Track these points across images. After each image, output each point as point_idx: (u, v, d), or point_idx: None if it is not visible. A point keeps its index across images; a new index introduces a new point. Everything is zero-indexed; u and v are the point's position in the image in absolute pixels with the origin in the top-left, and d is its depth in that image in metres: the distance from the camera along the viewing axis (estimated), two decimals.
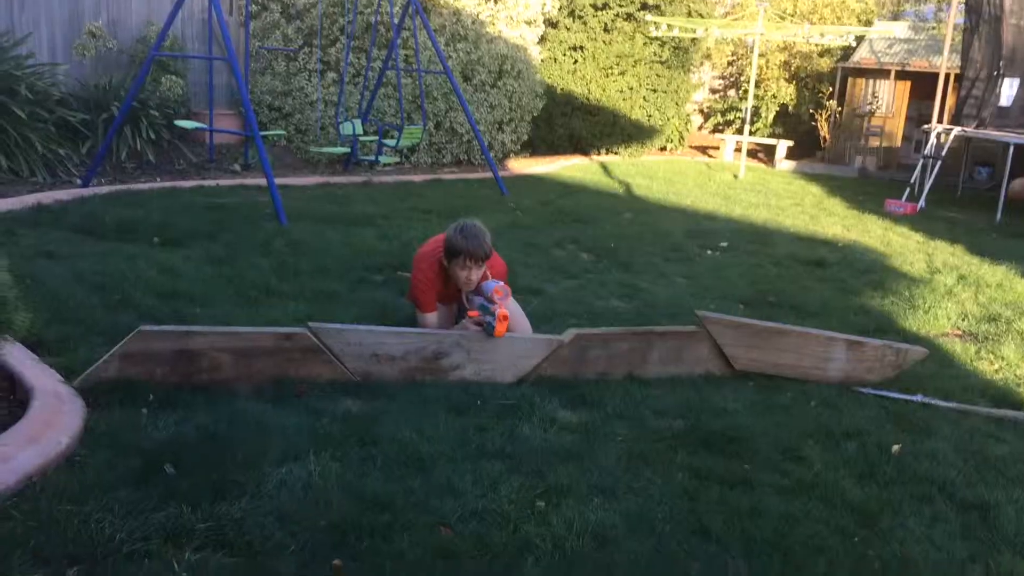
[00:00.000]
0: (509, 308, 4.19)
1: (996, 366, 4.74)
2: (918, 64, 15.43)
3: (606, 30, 14.09)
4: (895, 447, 3.48)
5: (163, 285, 4.62)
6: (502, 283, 3.95)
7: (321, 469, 2.82)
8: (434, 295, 4.15)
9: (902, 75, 15.80)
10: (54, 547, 2.25)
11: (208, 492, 2.59)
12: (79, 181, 7.64)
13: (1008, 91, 11.32)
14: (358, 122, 9.18)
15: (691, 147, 17.56)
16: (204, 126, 8.91)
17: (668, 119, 15.44)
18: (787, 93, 16.54)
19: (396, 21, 9.42)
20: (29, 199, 6.59)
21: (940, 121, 12.66)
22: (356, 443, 3.05)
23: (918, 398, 4.07)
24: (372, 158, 9.42)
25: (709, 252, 7.26)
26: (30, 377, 3.16)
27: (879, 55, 16.15)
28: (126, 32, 9.71)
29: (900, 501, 3.05)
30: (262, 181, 8.27)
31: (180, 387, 3.33)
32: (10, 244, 5.06)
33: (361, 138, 9.22)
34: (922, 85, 15.40)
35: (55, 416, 2.89)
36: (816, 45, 16.11)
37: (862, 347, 4.22)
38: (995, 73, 11.49)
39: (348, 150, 9.31)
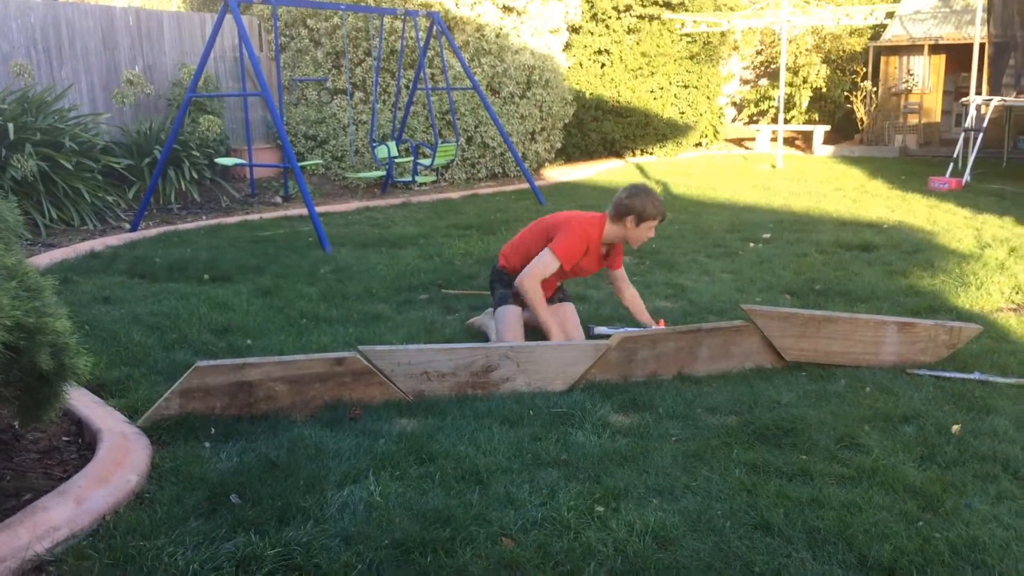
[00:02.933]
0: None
1: None
2: (951, 37, 15.18)
3: (630, 32, 14.10)
4: (955, 427, 3.44)
5: (216, 321, 4.73)
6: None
7: (381, 489, 2.87)
8: (574, 260, 4.37)
9: (936, 49, 15.56)
10: None
11: (274, 519, 2.66)
12: (128, 226, 7.85)
13: None
14: (392, 144, 9.30)
15: (726, 140, 17.45)
16: (244, 162, 9.11)
17: (701, 115, 15.37)
18: (820, 76, 16.34)
19: (422, 44, 9.53)
20: (82, 247, 6.79)
21: (979, 92, 12.44)
22: (413, 461, 3.09)
23: (975, 376, 4.01)
24: (408, 179, 9.54)
25: (752, 245, 7.22)
26: (96, 419, 3.27)
27: (910, 30, 15.91)
28: (162, 76, 9.96)
29: (963, 482, 3.01)
30: (303, 211, 8.42)
31: (239, 418, 3.42)
32: (67, 292, 5.22)
33: (396, 159, 9.34)
34: (957, 57, 15.15)
35: (123, 456, 2.98)
36: (845, 25, 15.92)
37: (913, 328, 4.17)
38: None
39: (384, 173, 9.43)
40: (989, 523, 2.73)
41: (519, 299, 4.45)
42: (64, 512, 2.59)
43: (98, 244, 6.93)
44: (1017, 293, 5.51)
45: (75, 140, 7.94)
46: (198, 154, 9.26)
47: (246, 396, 3.46)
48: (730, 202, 9.72)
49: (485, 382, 3.79)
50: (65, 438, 3.28)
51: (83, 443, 3.24)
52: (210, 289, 5.50)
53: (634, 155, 14.77)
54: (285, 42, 11.23)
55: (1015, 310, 5.20)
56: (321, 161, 10.51)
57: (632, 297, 4.62)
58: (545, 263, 4.32)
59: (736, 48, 17.60)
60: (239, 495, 2.80)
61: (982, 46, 12.57)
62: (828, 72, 16.47)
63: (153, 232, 7.58)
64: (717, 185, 11.04)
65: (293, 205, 9.40)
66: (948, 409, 3.66)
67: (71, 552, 2.46)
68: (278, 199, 9.76)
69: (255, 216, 8.57)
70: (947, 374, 4.04)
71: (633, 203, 4.36)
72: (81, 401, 3.43)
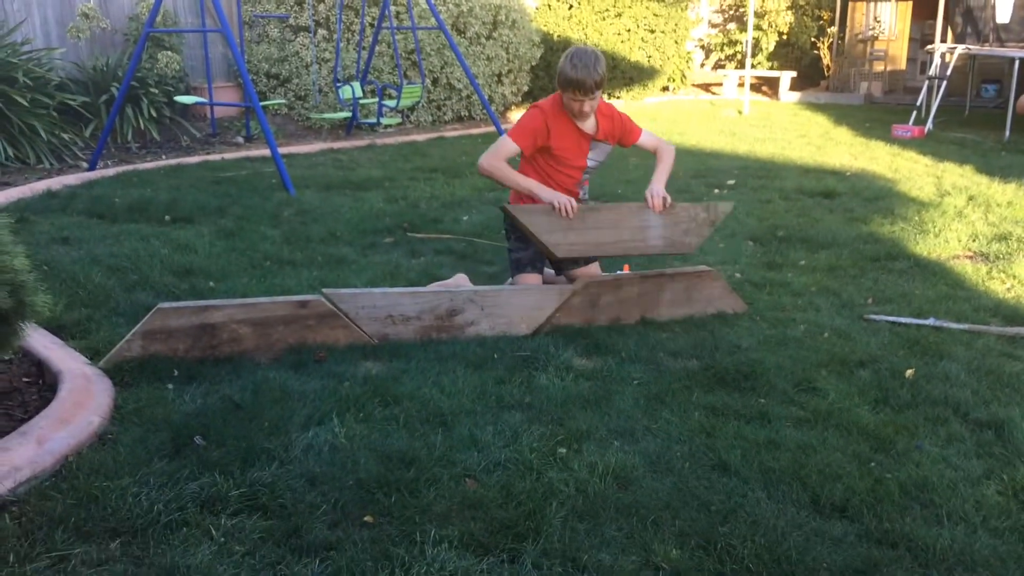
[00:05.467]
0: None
1: (1007, 285, 4.75)
2: None
3: None
4: (908, 372, 3.53)
5: (178, 262, 4.68)
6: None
7: (346, 431, 2.89)
8: (532, 138, 3.93)
9: None
10: (95, 522, 2.34)
11: (238, 460, 2.67)
12: (85, 165, 7.69)
13: (1003, 7, 11.11)
14: (357, 84, 9.15)
15: (694, 85, 17.38)
16: (204, 100, 8.91)
17: (668, 58, 15.28)
18: (786, 21, 16.28)
19: None
20: (38, 186, 6.65)
21: (943, 40, 12.48)
22: (378, 403, 3.11)
23: (931, 321, 4.10)
24: (373, 121, 9.41)
25: (716, 191, 7.25)
26: (56, 361, 3.24)
27: None
28: (118, 10, 9.67)
29: (915, 424, 3.10)
30: (266, 152, 8.29)
31: (203, 361, 3.41)
32: (24, 232, 5.12)
33: (361, 101, 9.20)
34: (924, 4, 15.14)
35: (85, 397, 2.97)
36: None
37: (674, 209, 4.02)
38: None
39: (349, 114, 9.30)
40: (938, 464, 2.82)
41: (537, 263, 4.18)
42: (26, 453, 2.58)
43: (55, 183, 6.79)
44: (974, 241, 5.61)
45: (29, 76, 7.71)
46: (157, 91, 9.04)
47: (209, 338, 3.44)
48: (696, 148, 9.73)
49: (450, 326, 3.80)
50: (25, 379, 3.25)
51: (44, 384, 3.21)
52: (171, 230, 5.43)
53: None
54: None
55: (971, 258, 5.30)
56: (284, 100, 10.32)
57: (660, 158, 4.27)
58: (498, 144, 3.92)
59: None
60: (203, 437, 2.81)
61: None
62: (794, 17, 16.41)
63: (112, 171, 7.43)
64: (684, 130, 11.04)
65: (255, 146, 9.25)
66: (903, 354, 3.75)
67: (34, 492, 2.46)
68: (240, 139, 9.60)
69: (216, 156, 8.43)
70: (903, 320, 4.13)
71: (559, 65, 3.86)
72: (41, 342, 3.40)
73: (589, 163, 4.13)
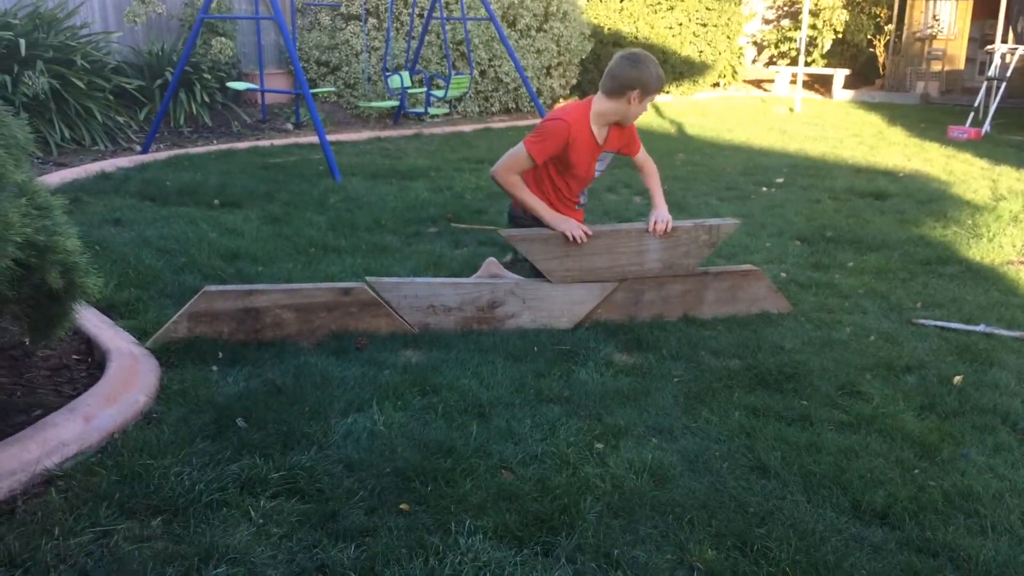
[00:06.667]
0: None
1: None
2: None
3: None
4: (956, 378, 3.46)
5: (225, 246, 4.75)
6: None
7: (385, 418, 2.91)
8: (552, 151, 3.87)
9: None
10: (138, 499, 2.38)
11: (279, 443, 2.70)
12: (139, 148, 7.83)
13: None
14: (406, 74, 9.19)
15: (745, 82, 17.18)
16: (255, 87, 9.02)
17: (719, 54, 15.12)
18: (840, 20, 16.00)
19: None
20: (93, 167, 6.78)
21: (1004, 41, 12.19)
22: (417, 392, 3.13)
23: (981, 328, 4.01)
24: (421, 110, 9.44)
25: (764, 189, 7.16)
26: (106, 339, 3.30)
27: None
28: None
29: (961, 432, 3.03)
30: (314, 138, 8.37)
31: (246, 344, 3.45)
32: (78, 212, 5.23)
33: (409, 90, 9.24)
34: (985, 3, 14.79)
35: (132, 376, 3.02)
36: None
37: (674, 232, 3.95)
38: None
39: (397, 103, 9.34)
40: (984, 474, 2.76)
41: None
42: (73, 429, 2.64)
43: (109, 165, 6.92)
44: None
45: (86, 59, 7.86)
46: (209, 77, 9.17)
47: (253, 322, 3.49)
48: (745, 145, 9.63)
49: (491, 317, 3.80)
50: (75, 356, 3.32)
51: (92, 362, 3.28)
52: (220, 214, 5.51)
53: None
54: None
55: None
56: (333, 88, 10.41)
57: (649, 172, 4.30)
58: (514, 154, 3.83)
59: None
60: (245, 419, 2.85)
61: None
62: (850, 15, 16.12)
63: (164, 155, 7.56)
64: (733, 127, 10.92)
65: (304, 132, 9.34)
66: (951, 360, 3.67)
67: (80, 468, 2.51)
68: (289, 126, 9.70)
69: (266, 142, 8.52)
70: (952, 325, 4.04)
71: (640, 75, 3.81)
72: (91, 321, 3.47)
73: (596, 173, 4.12)
